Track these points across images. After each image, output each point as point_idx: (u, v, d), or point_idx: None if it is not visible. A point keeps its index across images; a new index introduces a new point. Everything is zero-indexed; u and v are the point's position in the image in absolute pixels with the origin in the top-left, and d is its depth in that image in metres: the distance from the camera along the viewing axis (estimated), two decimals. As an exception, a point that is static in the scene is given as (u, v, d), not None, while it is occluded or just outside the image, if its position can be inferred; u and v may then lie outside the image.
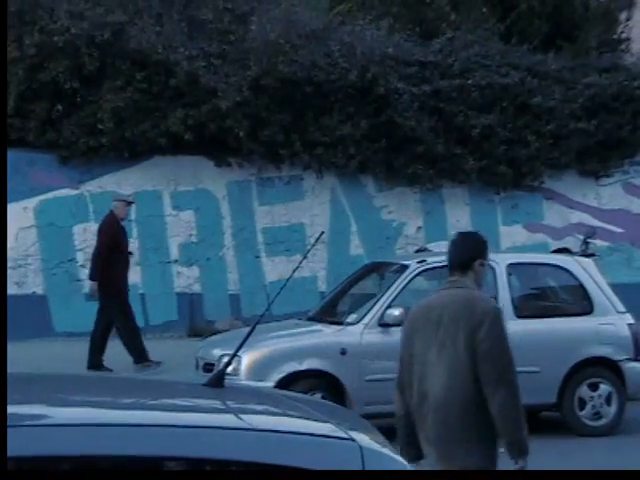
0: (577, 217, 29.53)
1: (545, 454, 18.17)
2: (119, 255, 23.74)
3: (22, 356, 21.82)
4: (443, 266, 19.92)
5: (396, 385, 11.40)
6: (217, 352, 16.87)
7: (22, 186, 26.64)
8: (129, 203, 25.12)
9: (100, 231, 24.12)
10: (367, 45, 28.13)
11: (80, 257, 27.17)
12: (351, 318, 18.84)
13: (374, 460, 4.77)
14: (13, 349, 23.10)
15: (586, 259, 20.91)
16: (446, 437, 10.92)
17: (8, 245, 26.61)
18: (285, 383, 17.03)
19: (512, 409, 10.93)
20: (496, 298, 19.09)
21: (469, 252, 11.28)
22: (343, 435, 4.87)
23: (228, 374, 5.71)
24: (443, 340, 11.18)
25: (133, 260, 27.33)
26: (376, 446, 4.93)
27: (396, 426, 11.32)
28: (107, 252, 23.56)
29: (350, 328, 18.53)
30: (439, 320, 11.26)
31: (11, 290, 26.39)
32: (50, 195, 27.06)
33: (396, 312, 18.41)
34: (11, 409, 4.79)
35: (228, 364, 5.64)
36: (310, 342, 18.58)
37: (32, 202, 26.89)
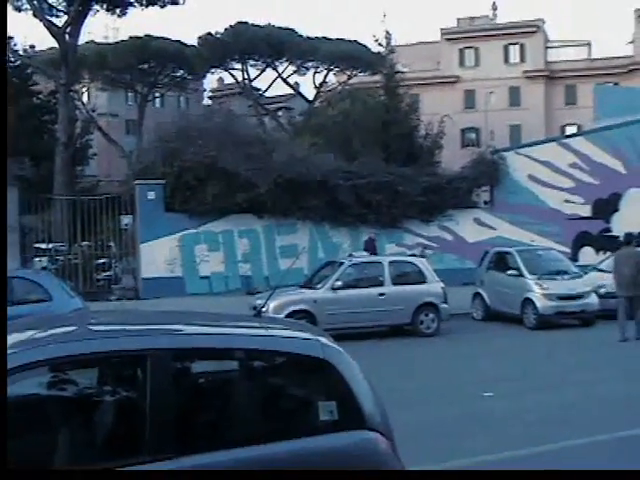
0: (418, 240, 29.48)
1: (404, 344, 18.22)
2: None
3: (172, 304, 21.73)
4: (361, 262, 20.04)
5: (613, 275, 18.10)
6: (259, 301, 16.68)
7: (174, 228, 26.64)
8: (376, 234, 27.03)
9: (366, 248, 25.00)
10: (324, 163, 28.11)
11: (197, 259, 27.14)
12: (319, 286, 18.95)
13: (327, 349, 4.82)
14: (167, 302, 22.93)
15: (422, 259, 21.08)
16: (629, 286, 17.38)
17: (166, 256, 26.62)
18: (290, 315, 17.11)
19: None
20: (384, 276, 19.21)
21: (632, 238, 18.50)
22: (313, 337, 4.91)
23: (264, 312, 5.70)
24: (628, 262, 17.62)
25: (219, 259, 27.31)
26: (329, 343, 4.92)
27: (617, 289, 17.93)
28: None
29: (319, 290, 18.73)
30: (622, 257, 17.95)
31: (167, 274, 26.44)
32: (185, 232, 27.01)
33: (339, 283, 18.66)
34: (167, 326, 4.83)
35: (263, 306, 5.63)
36: (300, 297, 18.59)
37: (177, 235, 26.87)
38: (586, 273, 22.66)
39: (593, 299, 20.62)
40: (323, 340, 4.92)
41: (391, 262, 19.91)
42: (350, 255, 21.35)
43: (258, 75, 55.72)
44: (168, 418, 4.26)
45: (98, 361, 4.43)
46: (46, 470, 4.08)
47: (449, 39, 70.66)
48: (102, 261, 28.68)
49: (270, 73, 55.83)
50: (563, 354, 16.60)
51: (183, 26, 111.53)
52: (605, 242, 31.17)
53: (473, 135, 67.26)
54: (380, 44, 36.42)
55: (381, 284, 19.14)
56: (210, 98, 74.12)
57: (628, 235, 20.21)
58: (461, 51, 70.62)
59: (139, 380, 4.35)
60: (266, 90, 58.45)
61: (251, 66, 54.73)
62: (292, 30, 53.40)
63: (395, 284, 19.25)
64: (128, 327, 4.84)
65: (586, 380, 13.33)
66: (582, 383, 13.07)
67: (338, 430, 4.62)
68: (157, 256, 26.55)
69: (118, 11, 42.37)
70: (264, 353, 4.78)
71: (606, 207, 31.98)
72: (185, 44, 52.57)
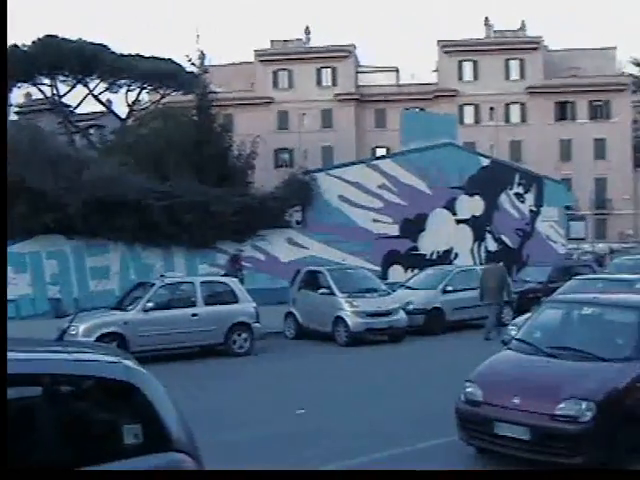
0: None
1: (217, 364, 18.15)
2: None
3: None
4: (173, 283, 19.75)
5: (480, 286, 21.40)
6: (64, 325, 16.30)
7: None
8: (241, 250, 27.66)
9: (233, 265, 25.79)
10: (136, 183, 27.63)
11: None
12: (130, 307, 18.50)
13: (132, 372, 4.83)
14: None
15: (234, 279, 21.06)
16: (493, 294, 20.72)
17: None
18: (100, 338, 16.64)
19: (510, 292, 21.57)
20: (196, 296, 19.05)
21: (497, 256, 21.20)
22: (117, 360, 4.87)
23: (72, 335, 5.57)
24: (492, 277, 21.02)
25: (26, 281, 26.32)
26: (134, 366, 4.92)
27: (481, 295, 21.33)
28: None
29: (130, 312, 18.23)
30: (489, 272, 21.42)
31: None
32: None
33: (151, 304, 18.34)
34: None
35: (65, 330, 5.51)
36: (111, 319, 18.01)
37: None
38: (394, 290, 23.48)
39: (401, 315, 21.41)
40: (128, 363, 4.91)
41: (203, 282, 19.76)
42: (162, 276, 21.08)
43: (68, 91, 54.36)
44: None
45: None
46: (46, 470, 4.07)
47: (263, 61, 71.62)
48: None
49: (81, 89, 54.61)
50: (373, 369, 17.11)
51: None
52: (413, 260, 32.45)
53: (286, 156, 68.36)
54: (193, 64, 36.38)
55: (193, 304, 18.98)
56: (17, 114, 71.37)
57: (493, 253, 25.88)
58: (275, 73, 71.76)
59: None
60: (77, 107, 57.06)
61: (61, 82, 53.34)
62: (104, 46, 52.46)
63: (207, 304, 19.13)
64: None
65: (395, 394, 13.82)
66: (391, 397, 13.52)
67: (144, 453, 4.62)
68: (-43, 279, 25.25)
69: None
70: (66, 377, 4.69)
71: (413, 226, 33.35)
72: (-11, 56, 50.54)
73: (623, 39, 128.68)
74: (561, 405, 8.18)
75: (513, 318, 19.13)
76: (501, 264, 22.54)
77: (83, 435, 4.63)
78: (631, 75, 79.56)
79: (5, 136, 8.27)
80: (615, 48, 75.29)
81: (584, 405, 8.10)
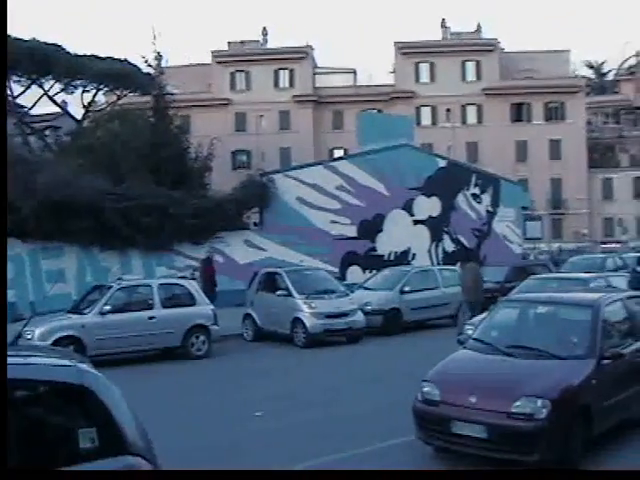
0: (189, 263, 29.20)
1: (176, 367, 18.01)
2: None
3: None
4: (130, 286, 19.53)
5: (460, 284, 21.17)
6: (19, 329, 16.13)
7: None
8: (212, 252, 27.97)
9: (204, 269, 25.96)
10: (92, 185, 27.36)
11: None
12: (87, 310, 18.26)
13: (86, 375, 4.80)
14: None
15: (192, 281, 20.91)
16: (470, 292, 20.37)
17: None
18: (57, 342, 16.47)
19: (482, 293, 20.70)
20: (153, 299, 18.89)
21: (473, 254, 22.36)
22: (72, 364, 4.85)
23: (27, 339, 5.49)
24: (469, 275, 20.65)
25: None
26: (88, 369, 4.89)
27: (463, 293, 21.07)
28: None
29: (87, 315, 18.01)
30: (466, 270, 21.07)
31: None
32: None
33: (108, 307, 18.16)
34: None
35: (19, 335, 5.45)
36: (68, 322, 17.78)
37: None
38: (352, 292, 23.52)
39: (359, 316, 21.44)
40: (82, 367, 4.88)
41: (161, 285, 19.58)
42: (119, 279, 20.91)
43: (23, 92, 53.67)
44: None
45: None
46: (46, 470, 4.09)
47: (220, 62, 71.42)
48: None
49: (36, 90, 53.99)
50: (331, 370, 17.13)
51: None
52: (371, 261, 32.54)
53: (244, 157, 68.26)
54: (150, 65, 36.12)
55: (151, 307, 18.79)
56: (-31, 115, 70.46)
57: (469, 251, 26.61)
58: (232, 74, 71.59)
59: None
60: (31, 108, 56.38)
61: (15, 82, 52.66)
62: (59, 46, 51.86)
63: (165, 307, 18.96)
64: None
65: (352, 394, 13.87)
66: (348, 397, 13.56)
67: (99, 457, 4.60)
68: None
69: None
70: (20, 382, 4.63)
71: (371, 227, 33.47)
72: (-60, 57, 49.68)
73: (577, 42, 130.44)
74: (517, 403, 8.27)
75: (471, 317, 19.27)
76: (473, 263, 22.36)
77: (38, 439, 4.58)
78: (585, 77, 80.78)
79: (5, 136, 8.19)
80: (569, 51, 76.20)
81: (539, 403, 8.20)
